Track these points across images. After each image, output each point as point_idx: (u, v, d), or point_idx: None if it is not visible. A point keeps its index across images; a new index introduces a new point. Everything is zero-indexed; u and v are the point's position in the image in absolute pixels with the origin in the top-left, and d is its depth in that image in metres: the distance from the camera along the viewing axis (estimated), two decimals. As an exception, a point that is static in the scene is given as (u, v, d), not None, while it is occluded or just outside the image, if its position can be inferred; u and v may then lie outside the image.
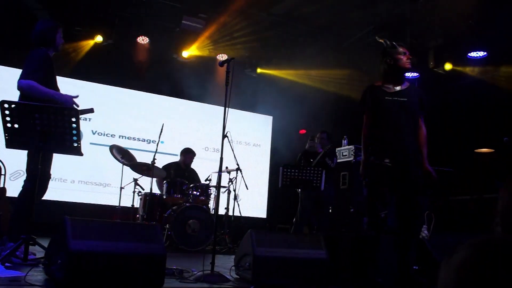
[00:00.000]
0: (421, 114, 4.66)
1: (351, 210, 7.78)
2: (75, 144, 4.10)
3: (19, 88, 4.53)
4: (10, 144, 3.99)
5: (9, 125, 3.88)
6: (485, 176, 8.10)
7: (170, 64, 10.51)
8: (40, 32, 4.87)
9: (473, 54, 8.94)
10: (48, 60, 4.77)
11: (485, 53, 8.82)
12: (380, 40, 4.66)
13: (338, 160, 8.34)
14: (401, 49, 4.52)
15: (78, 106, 4.74)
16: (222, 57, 10.49)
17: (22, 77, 4.52)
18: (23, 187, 4.63)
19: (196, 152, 9.09)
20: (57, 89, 4.86)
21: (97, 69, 9.97)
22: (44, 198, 4.84)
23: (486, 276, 0.84)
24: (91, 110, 5.04)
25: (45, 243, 4.17)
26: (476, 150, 9.07)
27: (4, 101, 3.81)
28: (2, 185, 6.59)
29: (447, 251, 0.95)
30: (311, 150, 8.18)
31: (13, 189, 7.14)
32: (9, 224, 4.68)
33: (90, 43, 9.85)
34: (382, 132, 4.50)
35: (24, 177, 4.69)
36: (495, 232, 1.31)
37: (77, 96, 4.85)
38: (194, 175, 8.92)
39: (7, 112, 3.83)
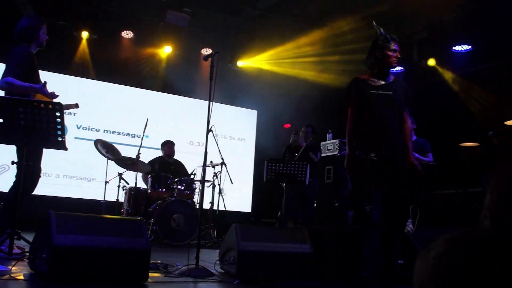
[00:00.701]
0: (407, 107, 4.68)
1: (336, 204, 7.82)
2: (60, 139, 4.09)
3: (1, 83, 4.56)
4: (-5, 138, 3.98)
5: (-7, 119, 3.86)
6: (470, 170, 8.18)
7: (154, 58, 10.48)
8: (22, 28, 4.89)
9: (457, 48, 8.98)
10: (29, 56, 4.78)
11: (469, 46, 8.87)
12: (377, 28, 4.63)
13: (323, 154, 8.37)
14: (392, 46, 4.51)
15: (56, 96, 4.73)
16: (207, 51, 10.47)
17: (2, 76, 4.56)
18: (13, 182, 4.65)
19: (180, 146, 9.07)
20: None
21: (81, 64, 9.91)
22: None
23: (462, 270, 0.85)
24: (75, 106, 5.04)
25: (30, 237, 4.15)
26: (461, 144, 9.15)
27: (-13, 96, 3.80)
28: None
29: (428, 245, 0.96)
30: (295, 144, 8.21)
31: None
32: None
33: (74, 37, 9.79)
34: (368, 126, 4.50)
35: (10, 172, 4.69)
36: (482, 226, 1.32)
37: (55, 95, 4.82)
38: (180, 168, 8.91)
39: (-10, 106, 3.81)
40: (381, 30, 4.58)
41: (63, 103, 4.40)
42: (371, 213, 4.39)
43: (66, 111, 4.37)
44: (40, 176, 4.89)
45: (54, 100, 4.68)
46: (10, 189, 4.65)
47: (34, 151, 4.63)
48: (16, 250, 4.24)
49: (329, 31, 9.87)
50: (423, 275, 0.91)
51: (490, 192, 1.29)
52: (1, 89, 4.60)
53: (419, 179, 4.68)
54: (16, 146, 4.59)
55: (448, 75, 9.35)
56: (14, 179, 4.64)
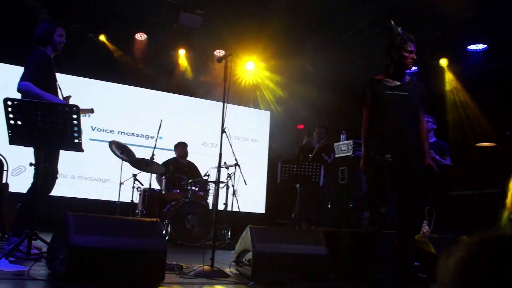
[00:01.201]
0: (422, 108, 4.65)
1: (351, 206, 7.80)
2: (76, 141, 4.12)
3: (18, 89, 4.65)
4: (13, 141, 4.02)
5: (12, 122, 3.90)
6: (486, 171, 8.12)
7: (168, 60, 10.52)
8: (38, 33, 5.03)
9: (472, 47, 8.91)
10: (46, 60, 4.88)
11: (485, 45, 8.80)
12: (394, 28, 4.60)
13: (337, 155, 8.36)
14: (409, 47, 4.48)
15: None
16: (219, 52, 10.50)
17: (20, 79, 4.65)
18: (31, 184, 4.72)
19: (194, 147, 9.10)
20: (55, 88, 4.94)
21: (96, 66, 9.98)
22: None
23: (484, 275, 0.85)
24: (91, 110, 5.13)
25: (47, 237, 4.20)
26: (477, 144, 9.08)
27: (7, 99, 3.84)
28: (4, 181, 6.61)
29: (447, 247, 0.95)
30: (308, 146, 8.21)
31: (15, 185, 7.17)
32: (14, 219, 4.73)
33: (89, 40, 9.86)
34: (383, 127, 4.47)
35: (26, 173, 4.76)
36: (502, 229, 1.32)
37: (70, 97, 5.02)
38: (194, 169, 8.95)
39: (10, 109, 3.86)
40: (399, 29, 4.54)
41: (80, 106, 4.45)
42: (386, 214, 4.36)
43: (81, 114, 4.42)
44: (57, 177, 4.95)
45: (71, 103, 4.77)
46: (28, 191, 4.71)
47: (51, 153, 4.71)
48: (34, 251, 4.29)
49: (341, 31, 9.86)
50: (444, 279, 0.91)
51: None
52: (18, 92, 4.66)
53: (434, 180, 4.65)
54: (34, 148, 4.65)
55: (449, 80, 9.30)
56: (31, 180, 4.70)
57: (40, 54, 4.89)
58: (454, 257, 0.90)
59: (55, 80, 4.99)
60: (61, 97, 4.99)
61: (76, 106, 4.09)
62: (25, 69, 4.74)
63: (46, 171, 4.61)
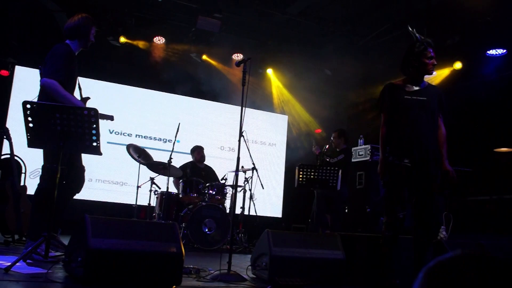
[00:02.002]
0: (440, 113, 4.62)
1: (368, 210, 7.76)
2: (95, 144, 4.15)
3: (42, 84, 4.62)
4: (31, 143, 4.05)
5: (31, 125, 3.93)
6: (504, 176, 8.03)
7: (186, 63, 10.56)
8: (75, 25, 4.96)
9: (492, 52, 8.85)
10: (71, 56, 4.85)
11: (504, 50, 8.72)
12: (412, 34, 4.58)
13: (354, 160, 8.32)
14: (429, 53, 4.45)
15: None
16: (238, 56, 10.52)
17: (46, 75, 4.60)
18: (37, 185, 4.74)
19: (211, 151, 9.12)
20: (73, 86, 4.93)
21: (114, 69, 10.06)
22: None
23: None
24: (110, 118, 5.13)
25: (64, 240, 4.23)
26: (496, 150, 8.99)
27: (26, 102, 3.87)
28: (22, 183, 6.68)
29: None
30: (314, 152, 8.21)
31: (34, 187, 7.23)
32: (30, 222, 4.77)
33: (108, 43, 9.93)
34: (401, 132, 4.46)
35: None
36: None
37: (88, 98, 5.03)
38: (211, 173, 8.97)
39: (29, 112, 3.89)
40: (417, 35, 4.52)
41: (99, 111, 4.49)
42: (404, 219, 4.33)
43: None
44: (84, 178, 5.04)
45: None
46: (34, 194, 4.76)
47: (75, 155, 4.77)
48: (52, 253, 4.32)
49: (360, 35, 9.84)
50: None
51: None
52: (43, 88, 4.63)
53: (452, 185, 4.61)
54: (43, 150, 4.69)
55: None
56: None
57: (65, 48, 4.83)
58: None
59: (76, 77, 4.97)
60: (79, 97, 4.97)
61: (95, 110, 4.11)
62: (51, 64, 4.67)
63: (74, 173, 4.74)
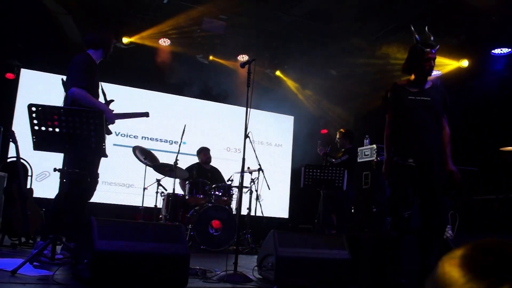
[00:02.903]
0: (445, 113, 4.64)
1: (374, 210, 7.75)
2: (101, 146, 4.17)
3: (71, 94, 4.76)
4: (37, 146, 4.08)
5: (36, 127, 3.96)
6: (510, 175, 8.00)
7: (191, 65, 10.57)
8: (97, 37, 5.20)
9: (497, 51, 8.84)
10: (93, 65, 5.04)
11: (509, 50, 8.71)
12: (413, 34, 4.59)
13: (360, 160, 8.32)
14: (428, 54, 4.45)
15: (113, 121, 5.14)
16: (243, 57, 10.53)
17: (73, 83, 4.78)
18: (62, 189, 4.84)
19: (217, 152, 9.13)
20: (97, 94, 5.12)
21: (119, 71, 10.08)
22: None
23: None
24: (145, 114, 5.33)
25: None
26: (501, 149, 8.96)
27: (31, 105, 3.89)
28: (29, 186, 6.70)
29: None
30: (319, 153, 8.22)
31: (39, 190, 7.26)
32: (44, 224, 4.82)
33: (113, 45, 9.95)
34: (406, 132, 4.49)
35: (50, 178, 4.85)
36: None
37: (112, 101, 5.32)
38: (217, 174, 8.99)
39: (34, 115, 3.91)
40: (417, 36, 4.54)
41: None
42: (409, 219, 4.35)
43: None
44: (97, 182, 5.13)
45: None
46: (59, 196, 4.82)
47: (90, 159, 4.84)
48: (58, 255, 4.34)
49: (366, 35, 9.82)
50: None
51: None
52: (72, 96, 4.77)
53: (457, 185, 4.61)
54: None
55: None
56: (55, 185, 4.77)
57: (86, 57, 5.03)
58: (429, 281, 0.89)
59: (98, 85, 5.15)
60: (103, 101, 5.20)
61: (101, 112, 4.13)
62: (75, 73, 4.86)
63: (86, 177, 4.77)
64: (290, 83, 11.37)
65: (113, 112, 5.20)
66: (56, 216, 4.44)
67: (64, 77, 4.98)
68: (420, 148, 4.40)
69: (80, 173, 4.70)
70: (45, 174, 8.60)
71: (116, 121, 5.22)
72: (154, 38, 10.21)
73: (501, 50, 8.78)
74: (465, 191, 6.98)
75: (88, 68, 4.95)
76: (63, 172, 4.29)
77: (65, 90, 4.94)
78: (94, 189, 5.09)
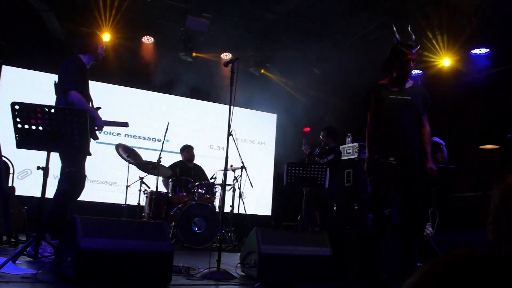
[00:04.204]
0: (425, 112, 4.71)
1: (356, 208, 7.83)
2: (84, 144, 4.18)
3: (69, 97, 4.86)
4: (20, 144, 4.08)
5: (19, 125, 3.96)
6: (489, 173, 8.13)
7: (175, 63, 10.56)
8: (84, 41, 5.34)
9: (476, 51, 8.96)
10: (83, 66, 5.16)
11: (488, 50, 8.84)
12: (395, 33, 4.65)
13: (343, 158, 8.38)
14: (407, 55, 4.52)
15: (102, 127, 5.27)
16: (226, 55, 10.54)
17: (68, 85, 4.89)
18: (60, 188, 4.97)
19: (201, 150, 9.14)
20: (88, 97, 5.21)
21: (102, 69, 10.04)
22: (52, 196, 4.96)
23: None
24: (125, 124, 5.36)
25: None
26: (481, 147, 9.10)
27: (14, 103, 3.89)
28: (10, 184, 6.67)
29: (451, 248, 0.96)
30: (305, 151, 8.28)
31: (21, 188, 7.23)
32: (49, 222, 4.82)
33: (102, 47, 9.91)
34: (387, 130, 4.55)
35: (32, 176, 4.88)
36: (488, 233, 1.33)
37: (99, 108, 5.36)
38: (200, 172, 9.00)
39: (17, 113, 3.91)
40: (398, 36, 4.60)
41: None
42: (390, 216, 4.41)
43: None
44: (84, 183, 5.12)
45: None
46: (56, 195, 4.91)
47: (77, 158, 4.90)
48: (46, 253, 4.34)
49: (348, 34, 9.89)
50: None
51: (493, 197, 1.31)
52: (70, 99, 4.86)
53: (436, 183, 4.69)
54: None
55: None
56: (37, 183, 4.79)
57: (78, 61, 5.15)
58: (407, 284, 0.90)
59: (88, 89, 5.23)
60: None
61: (84, 110, 4.15)
62: (68, 76, 4.97)
63: (74, 175, 4.82)
64: (274, 81, 11.39)
65: None
66: (59, 215, 4.54)
67: (56, 79, 5.07)
68: (401, 146, 4.47)
69: (79, 172, 4.76)
70: (26, 172, 8.55)
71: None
72: (137, 35, 10.19)
73: (480, 50, 8.91)
74: (445, 189, 7.07)
75: (81, 71, 5.08)
76: (63, 171, 4.34)
77: (56, 93, 4.98)
78: (83, 188, 5.10)
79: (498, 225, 1.24)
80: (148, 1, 9.08)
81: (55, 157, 4.81)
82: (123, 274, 3.53)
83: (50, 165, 4.29)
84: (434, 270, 0.85)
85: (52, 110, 4.01)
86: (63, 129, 4.02)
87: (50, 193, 4.91)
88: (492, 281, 0.80)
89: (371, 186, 4.63)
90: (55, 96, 5.07)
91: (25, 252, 4.31)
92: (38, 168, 4.35)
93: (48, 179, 4.33)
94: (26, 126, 3.98)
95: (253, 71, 11.00)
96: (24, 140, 4.07)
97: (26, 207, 6.35)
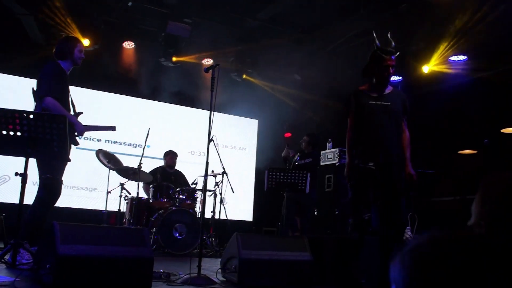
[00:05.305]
0: (405, 117, 4.76)
1: (336, 212, 7.87)
2: (63, 150, 4.16)
3: (44, 103, 4.82)
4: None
5: (-3, 131, 3.92)
6: (467, 177, 8.23)
7: (156, 68, 10.54)
8: (60, 47, 5.29)
9: (453, 58, 9.09)
10: (60, 71, 5.12)
11: (465, 57, 8.96)
12: (375, 40, 4.69)
13: (323, 163, 8.43)
14: (387, 61, 4.56)
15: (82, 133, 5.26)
16: (208, 62, 10.55)
17: (44, 92, 4.86)
18: (38, 196, 4.91)
19: (182, 156, 9.12)
20: (68, 103, 5.20)
21: (83, 74, 9.98)
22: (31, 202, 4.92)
23: (448, 272, 0.87)
24: (112, 128, 5.35)
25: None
26: (460, 152, 9.21)
27: (-8, 108, 3.86)
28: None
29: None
30: (286, 156, 8.30)
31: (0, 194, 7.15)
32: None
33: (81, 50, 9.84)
34: (366, 136, 4.59)
35: (10, 183, 4.84)
36: (472, 233, 1.35)
37: (81, 113, 5.38)
38: (181, 178, 8.98)
39: (-5, 118, 3.88)
40: (377, 42, 4.65)
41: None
42: (370, 220, 4.45)
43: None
44: (61, 190, 5.06)
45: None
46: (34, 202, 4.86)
47: (53, 164, 4.83)
48: (24, 261, 4.30)
49: (329, 41, 9.96)
50: (405, 274, 0.92)
51: (484, 202, 1.33)
52: (45, 106, 4.82)
53: (415, 188, 4.74)
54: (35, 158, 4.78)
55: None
56: (15, 190, 4.77)
57: (55, 67, 5.12)
58: (417, 253, 0.92)
59: (68, 95, 5.21)
60: (72, 112, 5.24)
61: (63, 116, 4.12)
62: (44, 83, 4.94)
63: (50, 183, 4.77)
64: (255, 87, 11.41)
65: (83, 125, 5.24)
66: (36, 223, 4.51)
67: (34, 85, 5.03)
68: (380, 151, 4.51)
69: (56, 179, 4.72)
70: (5, 178, 8.47)
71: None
72: (118, 40, 10.16)
73: (458, 57, 9.04)
74: (424, 193, 7.15)
75: (59, 77, 5.04)
76: (40, 178, 4.31)
77: (35, 99, 4.96)
78: (59, 196, 5.06)
79: (492, 229, 1.27)
80: (129, 6, 9.06)
81: (34, 163, 4.79)
82: (103, 281, 3.51)
83: (29, 171, 4.27)
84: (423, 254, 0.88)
85: (31, 116, 3.98)
86: (42, 135, 4.00)
87: (30, 199, 4.89)
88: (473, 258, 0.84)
89: (351, 191, 4.67)
90: (34, 103, 5.05)
91: (3, 260, 4.28)
92: (16, 174, 4.32)
93: (27, 185, 4.30)
94: (4, 132, 3.95)
95: (234, 77, 11.01)
96: (2, 146, 4.04)
97: (4, 214, 6.30)
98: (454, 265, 0.87)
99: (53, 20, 8.99)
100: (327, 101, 10.78)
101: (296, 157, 8.09)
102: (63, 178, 5.05)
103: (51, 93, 4.85)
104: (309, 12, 9.04)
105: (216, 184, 8.35)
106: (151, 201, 7.97)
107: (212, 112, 4.72)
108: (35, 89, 5.00)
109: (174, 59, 10.50)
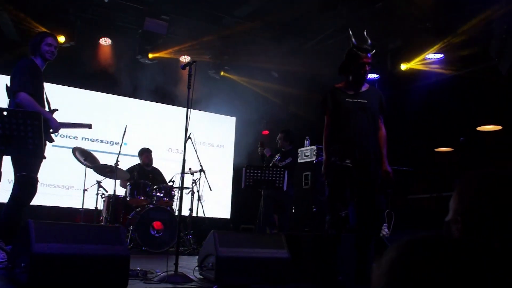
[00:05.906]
0: (381, 115, 4.79)
1: (314, 210, 7.90)
2: (38, 148, 4.11)
3: (17, 99, 4.78)
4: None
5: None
6: (444, 175, 8.32)
7: (133, 65, 10.46)
8: (30, 41, 5.27)
9: (430, 56, 9.17)
10: (33, 67, 5.06)
11: (442, 55, 9.05)
12: (351, 37, 4.71)
13: (301, 161, 8.45)
14: (363, 59, 4.59)
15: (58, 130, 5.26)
16: (185, 58, 10.50)
17: (17, 87, 4.82)
18: (13, 194, 4.87)
19: (159, 153, 9.07)
20: (42, 99, 5.16)
21: (58, 71, 9.87)
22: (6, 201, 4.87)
23: (414, 277, 0.87)
24: (88, 126, 5.29)
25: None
26: (436, 149, 9.30)
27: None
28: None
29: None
30: (261, 154, 8.32)
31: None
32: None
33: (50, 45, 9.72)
34: (343, 133, 4.62)
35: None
36: (450, 231, 1.37)
37: (56, 110, 5.34)
38: (158, 176, 8.94)
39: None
40: (353, 40, 4.68)
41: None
42: (346, 218, 4.48)
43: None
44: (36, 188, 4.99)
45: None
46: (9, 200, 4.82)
47: (29, 162, 4.79)
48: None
49: (307, 38, 9.99)
50: (378, 281, 0.93)
51: (461, 198, 1.35)
52: (18, 101, 4.79)
53: (392, 185, 4.79)
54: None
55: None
56: None
57: (29, 62, 5.07)
58: (386, 258, 0.92)
59: (43, 91, 5.16)
60: (47, 109, 5.21)
61: (38, 113, 4.07)
62: (17, 78, 4.87)
63: (25, 180, 4.74)
64: (233, 84, 11.40)
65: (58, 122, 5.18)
66: (12, 222, 4.46)
67: (8, 82, 4.98)
68: (357, 149, 4.54)
69: (31, 177, 4.67)
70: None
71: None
72: (94, 37, 10.06)
73: (434, 55, 9.12)
74: (401, 190, 7.21)
75: (33, 73, 4.98)
76: (15, 176, 4.27)
77: (8, 96, 4.90)
78: (35, 193, 5.01)
79: (468, 226, 1.28)
80: (106, 1, 8.97)
81: (9, 160, 4.73)
82: (79, 279, 3.48)
83: (4, 169, 4.21)
84: (400, 257, 0.89)
85: (5, 113, 3.93)
86: (16, 132, 3.94)
87: (5, 198, 4.84)
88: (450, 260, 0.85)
89: (328, 189, 4.69)
90: (8, 99, 4.98)
91: (-23, 258, 4.22)
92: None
93: (2, 183, 4.24)
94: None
95: (212, 74, 10.98)
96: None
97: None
98: (419, 269, 0.87)
99: (28, 16, 8.88)
100: (305, 98, 10.80)
101: (277, 156, 8.09)
102: (39, 176, 4.98)
103: (25, 88, 4.80)
104: (287, 9, 9.04)
105: (194, 181, 8.34)
106: (128, 198, 7.93)
107: (189, 109, 4.71)
108: (8, 85, 4.93)
109: (150, 56, 10.43)
